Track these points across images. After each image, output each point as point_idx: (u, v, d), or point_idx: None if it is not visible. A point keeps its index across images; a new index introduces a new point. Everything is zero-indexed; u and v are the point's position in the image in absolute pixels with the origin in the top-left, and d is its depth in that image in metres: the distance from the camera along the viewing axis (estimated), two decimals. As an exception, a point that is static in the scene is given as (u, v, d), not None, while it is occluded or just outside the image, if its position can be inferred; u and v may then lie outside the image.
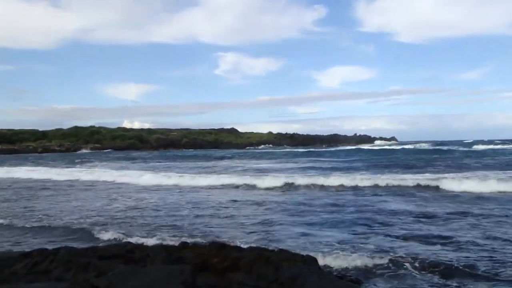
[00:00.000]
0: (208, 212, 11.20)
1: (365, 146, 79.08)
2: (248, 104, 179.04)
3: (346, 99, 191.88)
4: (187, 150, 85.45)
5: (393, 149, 58.38)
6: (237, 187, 17.02)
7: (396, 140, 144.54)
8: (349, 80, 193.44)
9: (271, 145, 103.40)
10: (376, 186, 15.72)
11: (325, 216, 10.18)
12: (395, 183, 16.07)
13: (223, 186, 17.26)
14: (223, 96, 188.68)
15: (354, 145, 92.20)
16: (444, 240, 7.44)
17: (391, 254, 6.66)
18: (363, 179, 17.21)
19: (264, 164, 34.20)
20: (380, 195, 13.89)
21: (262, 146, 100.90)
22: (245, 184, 17.21)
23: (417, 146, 68.62)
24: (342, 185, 16.11)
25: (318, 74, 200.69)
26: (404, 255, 6.53)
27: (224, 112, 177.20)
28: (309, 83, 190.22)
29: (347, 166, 27.93)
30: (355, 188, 15.60)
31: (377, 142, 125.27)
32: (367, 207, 11.33)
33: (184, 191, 16.31)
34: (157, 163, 38.14)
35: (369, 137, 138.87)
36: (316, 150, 66.30)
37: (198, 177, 20.26)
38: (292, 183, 16.87)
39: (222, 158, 46.97)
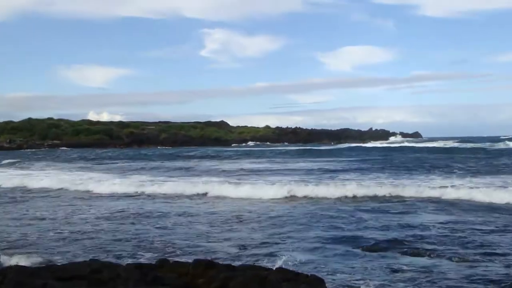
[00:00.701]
0: (185, 226, 11.28)
1: (382, 143, 79.67)
2: (241, 92, 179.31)
3: (359, 86, 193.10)
4: (166, 147, 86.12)
5: (413, 147, 58.81)
6: (213, 198, 17.13)
7: (420, 136, 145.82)
8: (364, 63, 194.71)
9: (268, 142, 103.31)
10: (395, 195, 15.96)
11: (341, 232, 10.19)
12: (419, 190, 16.35)
13: (202, 196, 17.49)
14: (210, 82, 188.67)
15: (369, 142, 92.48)
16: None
17: (427, 277, 6.61)
18: (380, 185, 17.48)
19: (257, 165, 34.60)
20: (404, 204, 14.01)
21: (250, 143, 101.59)
22: (229, 192, 17.61)
23: (443, 143, 69.42)
24: (355, 195, 16.26)
25: (326, 55, 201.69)
26: (446, 283, 6.50)
27: (212, 102, 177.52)
28: (315, 66, 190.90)
29: (359, 168, 28.42)
30: (371, 197, 15.70)
31: (393, 138, 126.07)
32: (392, 221, 11.31)
33: (143, 201, 16.50)
34: (127, 164, 38.58)
35: (388, 132, 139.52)
36: (322, 148, 66.58)
37: (171, 182, 20.81)
38: (293, 191, 17.11)
39: (207, 157, 47.81)
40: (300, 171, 26.88)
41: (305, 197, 16.23)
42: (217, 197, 17.05)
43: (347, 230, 10.27)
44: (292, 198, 16.29)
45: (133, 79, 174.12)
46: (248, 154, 51.28)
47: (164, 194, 17.99)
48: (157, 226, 11.31)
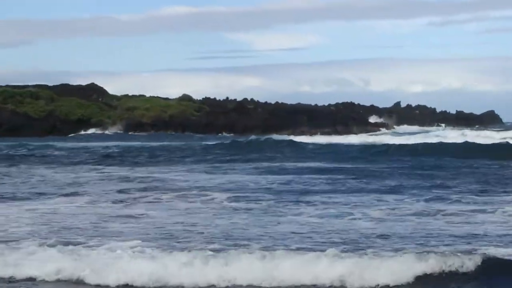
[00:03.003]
0: None
1: (425, 137, 78.61)
2: (134, 27, 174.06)
3: (376, 18, 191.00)
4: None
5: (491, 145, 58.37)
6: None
7: (497, 119, 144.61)
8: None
9: (186, 132, 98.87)
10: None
11: None
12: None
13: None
14: (69, 8, 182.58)
15: (394, 134, 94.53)
16: None
17: None
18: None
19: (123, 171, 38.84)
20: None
21: (92, 131, 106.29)
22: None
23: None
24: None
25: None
26: None
27: (73, 47, 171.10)
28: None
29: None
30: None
31: (437, 132, 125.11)
32: None
33: None
34: None
35: (433, 111, 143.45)
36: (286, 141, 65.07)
37: None
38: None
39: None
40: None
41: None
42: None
43: None
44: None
45: None
46: (125, 154, 55.49)
47: None
48: None
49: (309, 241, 19.81)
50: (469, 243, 18.66)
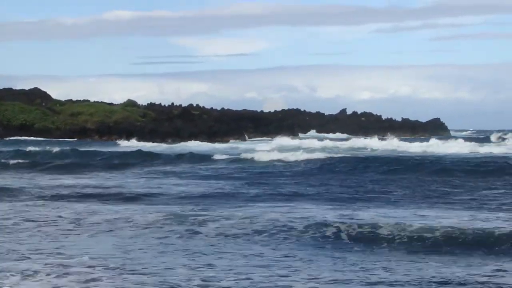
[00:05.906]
0: None
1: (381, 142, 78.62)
2: (80, 31, 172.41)
3: (324, 24, 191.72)
4: None
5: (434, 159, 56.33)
6: None
7: (442, 127, 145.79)
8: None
9: (119, 142, 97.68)
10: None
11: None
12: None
13: None
14: (14, 9, 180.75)
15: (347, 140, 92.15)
16: None
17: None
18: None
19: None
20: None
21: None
22: None
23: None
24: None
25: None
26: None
27: (16, 50, 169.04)
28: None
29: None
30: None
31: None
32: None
33: None
34: None
35: (378, 118, 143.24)
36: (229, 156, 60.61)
37: None
38: None
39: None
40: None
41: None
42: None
43: None
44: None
45: None
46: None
47: None
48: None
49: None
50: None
